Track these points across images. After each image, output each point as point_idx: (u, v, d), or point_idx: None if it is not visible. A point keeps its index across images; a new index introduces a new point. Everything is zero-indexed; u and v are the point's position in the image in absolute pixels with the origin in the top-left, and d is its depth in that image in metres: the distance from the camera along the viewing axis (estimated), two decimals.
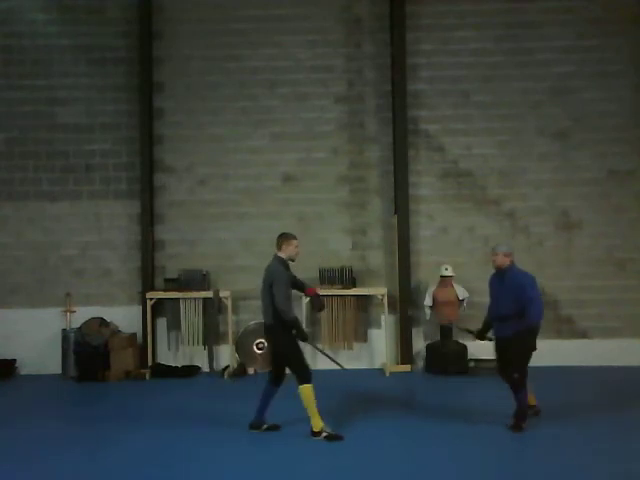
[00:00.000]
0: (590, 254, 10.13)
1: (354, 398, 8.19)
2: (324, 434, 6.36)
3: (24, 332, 10.08)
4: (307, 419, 6.39)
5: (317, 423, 6.36)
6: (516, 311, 6.48)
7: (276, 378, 6.67)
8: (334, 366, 7.31)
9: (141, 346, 10.03)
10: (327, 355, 7.44)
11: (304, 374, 6.40)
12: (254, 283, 10.04)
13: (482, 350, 9.59)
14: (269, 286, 6.44)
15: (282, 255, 6.63)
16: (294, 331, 6.48)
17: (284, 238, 6.67)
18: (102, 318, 9.92)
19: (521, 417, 6.54)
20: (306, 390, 6.36)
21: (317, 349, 7.81)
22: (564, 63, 10.30)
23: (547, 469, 5.62)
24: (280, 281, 6.43)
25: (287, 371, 6.66)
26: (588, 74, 10.27)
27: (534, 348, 6.56)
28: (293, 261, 6.71)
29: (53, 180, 10.42)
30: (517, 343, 6.52)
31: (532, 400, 6.90)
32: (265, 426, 6.68)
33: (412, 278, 10.11)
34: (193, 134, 10.44)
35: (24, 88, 10.45)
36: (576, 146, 10.25)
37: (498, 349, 6.78)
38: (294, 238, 6.69)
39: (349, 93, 10.48)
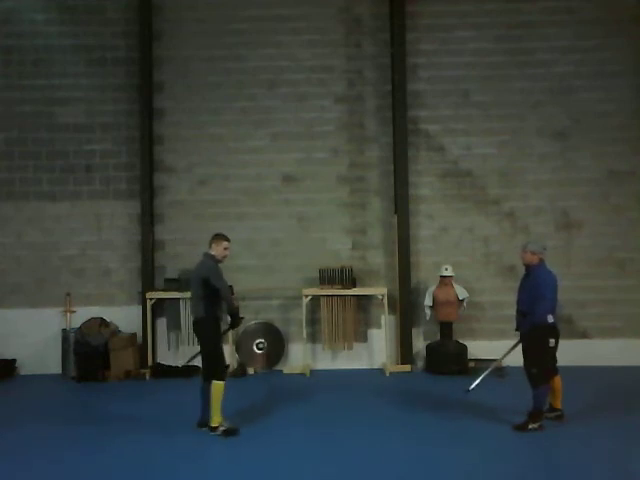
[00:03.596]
0: (590, 254, 10.13)
1: (354, 398, 8.20)
2: (222, 428, 6.56)
3: (24, 332, 10.08)
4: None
5: (217, 419, 6.58)
6: (532, 308, 6.54)
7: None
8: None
9: (141, 346, 10.03)
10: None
11: (220, 372, 6.63)
12: (254, 283, 10.17)
13: (482, 350, 9.65)
14: (201, 280, 6.61)
15: (213, 253, 6.82)
16: (231, 319, 6.77)
17: (216, 238, 6.89)
18: (102, 318, 9.93)
19: (533, 416, 6.54)
20: (219, 387, 6.57)
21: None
22: (564, 63, 10.30)
23: (547, 469, 5.63)
24: (216, 274, 6.63)
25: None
26: (588, 74, 10.27)
27: (548, 346, 6.55)
28: (221, 262, 6.85)
29: (53, 180, 10.43)
30: (530, 339, 6.58)
31: (557, 403, 6.91)
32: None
33: (412, 278, 10.11)
34: (193, 134, 10.44)
35: (24, 88, 10.45)
36: (576, 146, 10.25)
37: (521, 344, 6.81)
38: (226, 240, 6.87)
39: (349, 93, 10.48)
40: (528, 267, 6.79)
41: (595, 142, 10.23)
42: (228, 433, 6.54)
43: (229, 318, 6.86)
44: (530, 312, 6.57)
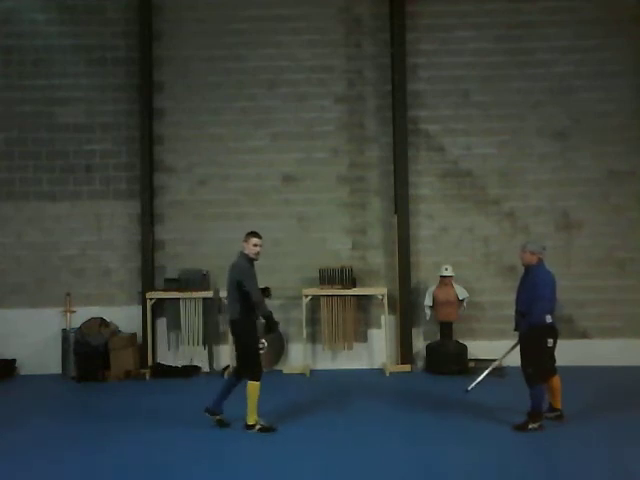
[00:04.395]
0: (590, 254, 10.13)
1: (354, 398, 8.20)
2: (258, 427, 6.60)
3: (24, 332, 10.09)
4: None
5: (253, 417, 6.63)
6: (530, 308, 6.55)
7: (239, 372, 6.86)
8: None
9: (141, 346, 10.03)
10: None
11: (257, 372, 6.62)
12: None
13: (482, 350, 9.65)
14: (236, 283, 6.59)
15: (245, 251, 6.78)
16: (265, 324, 6.68)
17: (246, 236, 6.85)
18: (102, 318, 9.93)
19: (533, 416, 6.54)
20: (254, 387, 6.58)
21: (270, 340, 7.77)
22: (564, 63, 10.30)
23: (547, 469, 5.63)
24: (250, 277, 6.60)
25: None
26: (588, 74, 10.27)
27: (546, 346, 6.55)
28: (256, 259, 6.81)
29: (53, 180, 10.43)
30: (528, 339, 6.59)
31: (557, 403, 6.91)
32: (218, 417, 6.85)
33: (412, 278, 10.11)
34: (193, 134, 10.44)
35: (24, 88, 10.45)
36: (576, 146, 10.25)
37: (519, 343, 6.81)
38: (255, 236, 6.82)
39: (349, 93, 10.48)
40: (527, 267, 6.79)
41: (595, 142, 10.23)
42: (264, 430, 6.59)
43: (263, 321, 6.77)
44: (528, 312, 6.57)
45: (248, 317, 6.66)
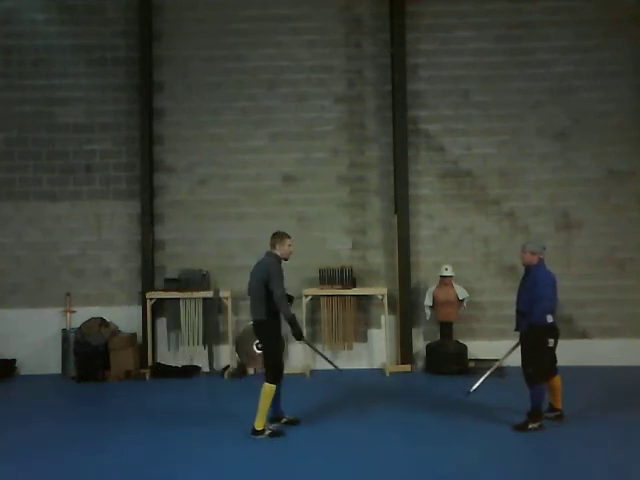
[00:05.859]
0: (590, 254, 10.13)
1: (354, 398, 8.20)
2: (267, 432, 6.47)
3: (24, 332, 10.08)
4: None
5: (261, 423, 6.45)
6: (531, 308, 6.54)
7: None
8: (332, 366, 7.35)
9: (141, 346, 10.03)
10: (323, 356, 7.52)
11: (276, 375, 6.52)
12: None
13: (482, 350, 9.66)
14: (263, 282, 6.46)
15: (277, 253, 6.66)
16: (290, 328, 6.54)
17: (278, 237, 6.71)
18: (102, 318, 9.93)
19: (532, 416, 6.53)
20: (269, 389, 6.46)
21: (313, 348, 7.85)
22: (564, 63, 10.29)
23: (547, 469, 5.63)
24: (278, 277, 6.47)
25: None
26: (588, 74, 10.27)
27: (547, 346, 6.54)
28: (286, 260, 6.74)
29: (53, 180, 10.42)
30: (529, 339, 6.59)
31: (557, 403, 6.91)
32: (284, 419, 6.83)
33: (412, 278, 10.11)
34: (193, 134, 10.44)
35: (24, 88, 10.45)
36: (576, 146, 10.25)
37: (520, 343, 6.80)
38: (288, 237, 6.73)
39: (349, 93, 10.48)
40: (527, 267, 6.80)
41: (595, 142, 10.23)
42: (274, 435, 6.47)
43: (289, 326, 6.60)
44: (529, 312, 6.57)
45: (273, 319, 6.54)
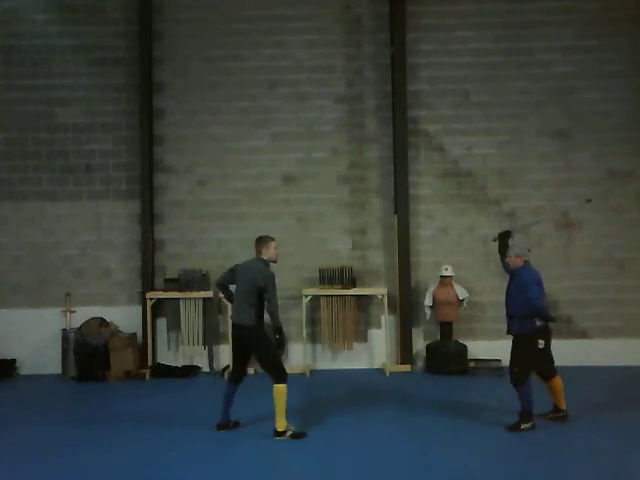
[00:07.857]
0: (590, 254, 10.13)
1: (354, 398, 8.20)
2: (289, 433, 6.43)
3: (24, 332, 10.08)
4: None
5: (282, 423, 6.41)
6: (522, 311, 6.54)
7: (239, 377, 6.77)
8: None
9: (141, 346, 10.03)
10: None
11: (282, 374, 6.48)
12: None
13: (482, 350, 9.66)
14: (256, 289, 6.45)
15: (264, 258, 6.64)
16: (277, 336, 6.52)
17: (262, 242, 6.67)
18: (102, 318, 9.93)
19: (523, 417, 6.53)
20: (281, 390, 6.41)
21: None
22: (564, 63, 10.30)
23: (547, 469, 5.62)
24: (274, 285, 6.48)
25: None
26: (588, 74, 10.28)
27: (537, 348, 6.52)
28: (275, 262, 6.73)
29: (53, 180, 10.43)
30: (519, 342, 6.60)
31: (561, 404, 6.89)
32: (231, 424, 6.77)
33: (412, 278, 10.11)
34: (193, 134, 10.44)
35: (24, 88, 10.44)
36: (576, 146, 10.26)
37: (512, 344, 6.78)
38: (272, 240, 6.70)
39: (349, 93, 10.48)
40: (513, 270, 6.82)
41: (595, 142, 10.23)
42: (296, 437, 6.42)
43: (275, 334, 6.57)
44: (522, 316, 6.53)
45: (262, 321, 6.57)
